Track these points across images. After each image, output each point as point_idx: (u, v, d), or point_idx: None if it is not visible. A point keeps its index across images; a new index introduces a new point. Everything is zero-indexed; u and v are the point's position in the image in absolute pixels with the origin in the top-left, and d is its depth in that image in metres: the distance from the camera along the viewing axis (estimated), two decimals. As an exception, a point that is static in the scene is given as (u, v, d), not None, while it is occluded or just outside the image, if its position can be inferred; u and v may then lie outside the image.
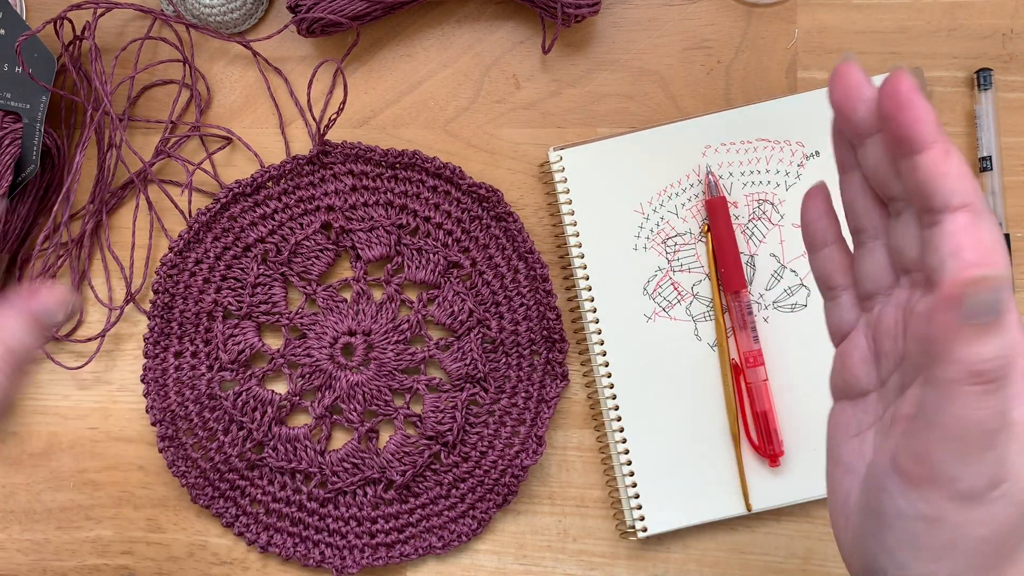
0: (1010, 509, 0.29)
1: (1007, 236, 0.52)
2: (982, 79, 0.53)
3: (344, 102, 0.52)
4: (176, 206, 0.55)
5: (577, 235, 0.52)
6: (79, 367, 0.54)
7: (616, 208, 0.53)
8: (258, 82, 0.55)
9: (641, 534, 0.52)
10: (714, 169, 0.52)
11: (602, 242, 0.52)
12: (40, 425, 0.55)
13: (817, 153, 0.52)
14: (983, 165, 0.53)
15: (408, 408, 0.53)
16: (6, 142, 0.52)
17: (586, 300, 0.52)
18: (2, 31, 0.52)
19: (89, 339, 0.54)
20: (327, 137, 0.53)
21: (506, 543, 0.54)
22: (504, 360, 0.53)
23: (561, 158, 0.53)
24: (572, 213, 0.53)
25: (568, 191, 0.53)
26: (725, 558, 0.53)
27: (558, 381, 0.53)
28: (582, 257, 0.52)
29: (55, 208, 0.53)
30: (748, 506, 0.52)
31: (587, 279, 0.52)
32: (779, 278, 0.52)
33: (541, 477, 0.54)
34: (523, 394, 0.53)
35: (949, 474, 0.28)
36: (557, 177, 0.53)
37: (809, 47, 0.54)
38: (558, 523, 0.54)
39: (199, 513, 0.54)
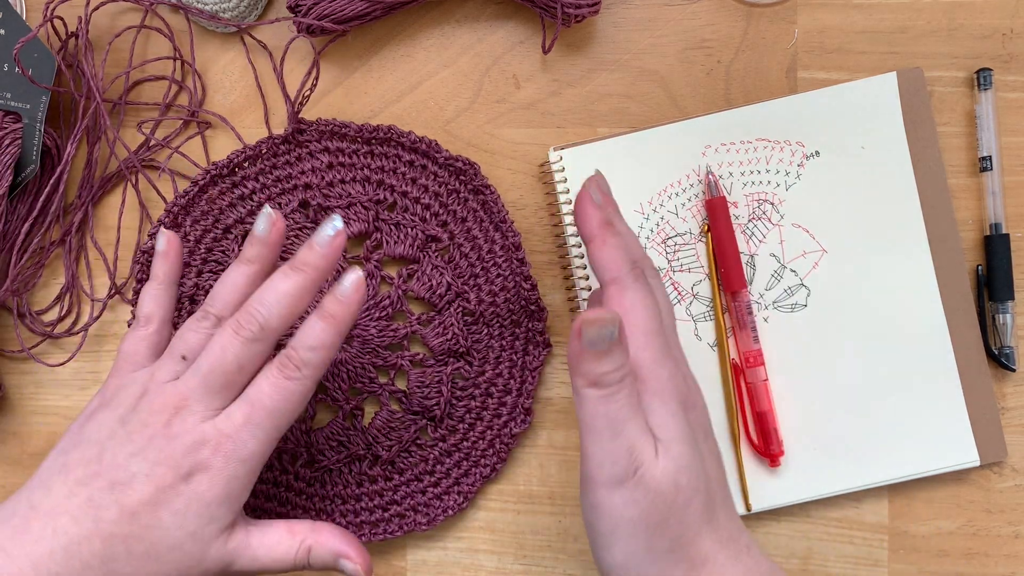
0: (648, 492, 0.37)
1: (1007, 236, 0.52)
2: (982, 79, 0.53)
3: (316, 79, 0.52)
4: (161, 196, 0.54)
5: (577, 235, 0.52)
6: (62, 363, 0.54)
7: (616, 208, 0.53)
8: (248, 69, 0.55)
9: (641, 534, 0.52)
10: (714, 169, 0.52)
11: (602, 242, 0.52)
12: (40, 425, 0.55)
13: (817, 153, 0.52)
14: (983, 165, 0.53)
15: (392, 384, 0.53)
16: (6, 142, 0.52)
17: (586, 300, 0.52)
18: (2, 31, 0.52)
19: (72, 333, 0.54)
20: (302, 116, 0.53)
21: (506, 543, 0.54)
22: (486, 332, 0.53)
23: (561, 158, 0.53)
24: (572, 213, 0.52)
25: (568, 191, 0.53)
26: (725, 558, 0.53)
27: (540, 349, 0.53)
28: (582, 257, 0.52)
29: (41, 199, 0.53)
30: (748, 506, 0.52)
31: (587, 279, 0.52)
32: (779, 278, 0.52)
33: (541, 477, 0.54)
34: (507, 363, 0.53)
35: (597, 461, 0.38)
36: (557, 177, 0.53)
37: (809, 47, 0.54)
38: (558, 523, 0.54)
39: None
